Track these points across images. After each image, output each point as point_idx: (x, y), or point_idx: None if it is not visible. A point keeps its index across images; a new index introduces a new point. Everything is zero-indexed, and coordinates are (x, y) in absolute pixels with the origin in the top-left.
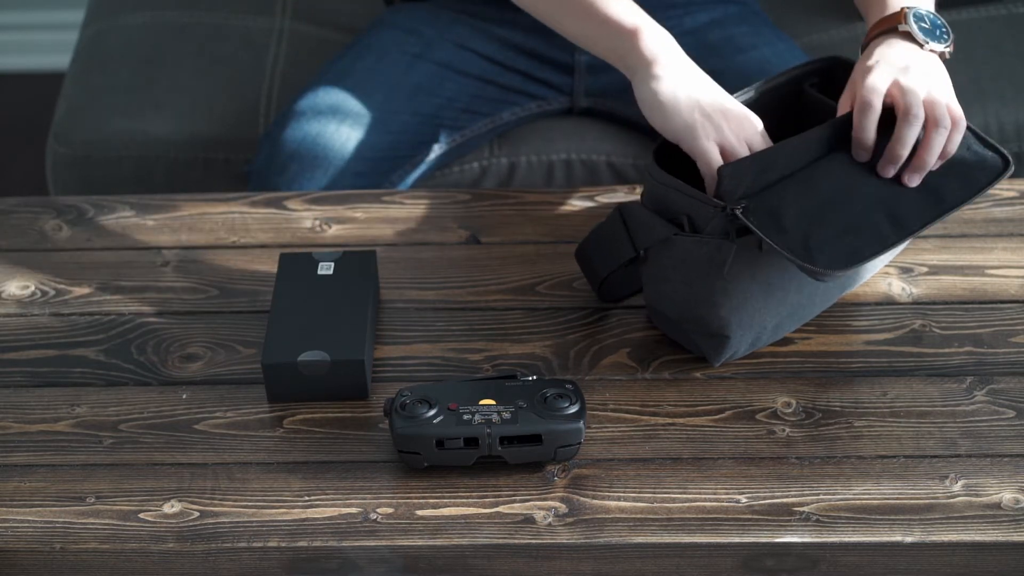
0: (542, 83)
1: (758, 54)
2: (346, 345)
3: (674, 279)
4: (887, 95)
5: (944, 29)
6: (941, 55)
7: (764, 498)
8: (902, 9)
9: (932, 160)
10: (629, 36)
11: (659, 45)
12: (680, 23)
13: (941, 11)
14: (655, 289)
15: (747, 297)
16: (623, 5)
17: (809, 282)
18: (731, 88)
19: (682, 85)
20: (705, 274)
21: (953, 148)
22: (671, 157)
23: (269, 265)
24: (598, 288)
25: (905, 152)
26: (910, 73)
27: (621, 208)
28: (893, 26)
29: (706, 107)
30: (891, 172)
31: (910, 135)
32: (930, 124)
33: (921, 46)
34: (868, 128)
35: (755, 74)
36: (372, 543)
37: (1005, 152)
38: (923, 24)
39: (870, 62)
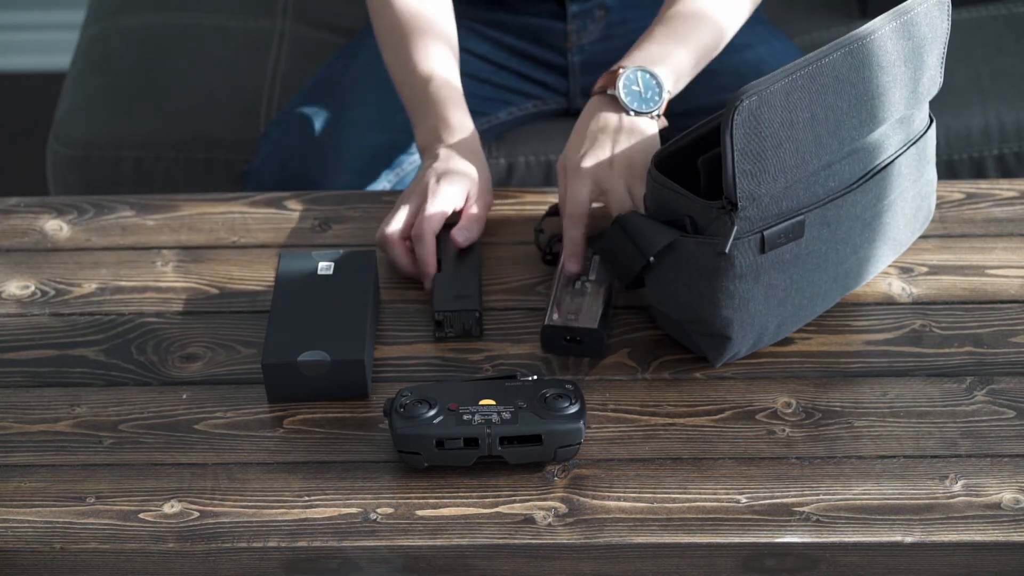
0: (537, 83)
1: (753, 53)
2: (346, 345)
3: (676, 280)
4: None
5: (657, 90)
6: (650, 115)
7: (764, 498)
8: (618, 69)
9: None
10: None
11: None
12: None
13: None
14: (657, 289)
15: (749, 298)
16: (437, 85)
17: (811, 282)
18: (727, 88)
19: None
20: (708, 275)
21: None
22: (672, 160)
23: (269, 265)
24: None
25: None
26: (602, 158)
27: (619, 220)
28: (605, 88)
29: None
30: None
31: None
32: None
33: (627, 112)
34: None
35: (750, 73)
36: (372, 543)
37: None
38: (634, 87)
39: (573, 135)
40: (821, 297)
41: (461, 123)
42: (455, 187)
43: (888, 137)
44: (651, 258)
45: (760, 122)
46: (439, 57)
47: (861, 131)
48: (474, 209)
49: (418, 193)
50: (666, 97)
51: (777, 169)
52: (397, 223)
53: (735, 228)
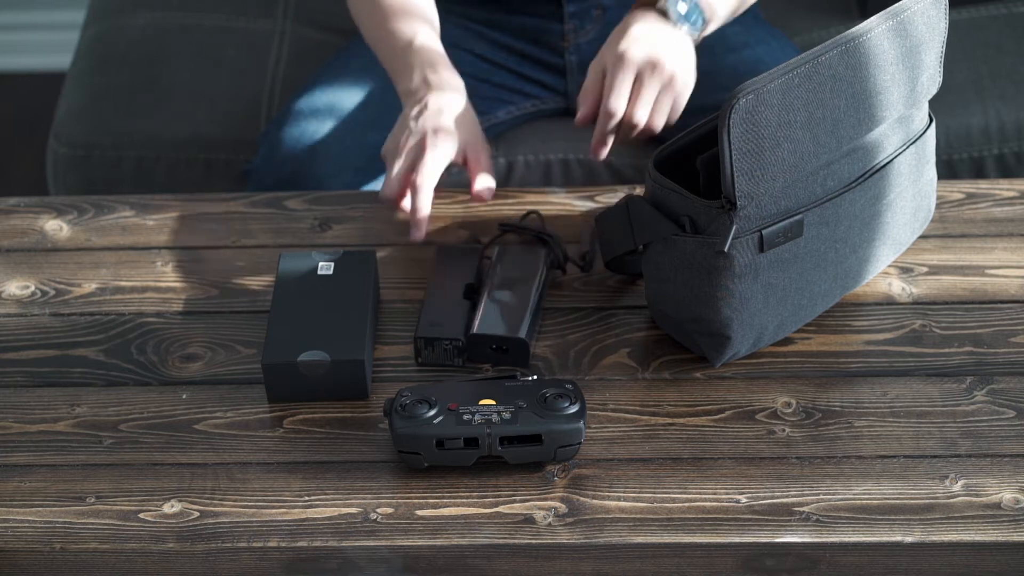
0: (536, 83)
1: (751, 53)
2: (346, 345)
3: (675, 280)
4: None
5: (699, 14)
6: (691, 35)
7: (764, 498)
8: None
9: (643, 117)
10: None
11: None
12: None
13: None
14: (657, 288)
15: (748, 297)
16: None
17: (810, 282)
18: (726, 88)
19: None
20: (707, 275)
21: (676, 113)
22: (672, 160)
23: (269, 265)
24: (605, 264)
25: (619, 104)
26: (654, 47)
27: (628, 200)
28: (652, 1)
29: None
30: (611, 124)
31: (621, 82)
32: (646, 76)
33: (674, 24)
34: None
35: (748, 73)
36: (372, 543)
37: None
38: (679, 8)
39: (617, 35)
40: (821, 297)
41: (450, 74)
42: (450, 143)
43: (887, 136)
44: (640, 247)
45: (757, 121)
46: (422, 22)
47: (859, 130)
48: (482, 161)
49: (414, 147)
50: (705, 26)
51: (775, 168)
52: (395, 184)
53: (734, 227)
